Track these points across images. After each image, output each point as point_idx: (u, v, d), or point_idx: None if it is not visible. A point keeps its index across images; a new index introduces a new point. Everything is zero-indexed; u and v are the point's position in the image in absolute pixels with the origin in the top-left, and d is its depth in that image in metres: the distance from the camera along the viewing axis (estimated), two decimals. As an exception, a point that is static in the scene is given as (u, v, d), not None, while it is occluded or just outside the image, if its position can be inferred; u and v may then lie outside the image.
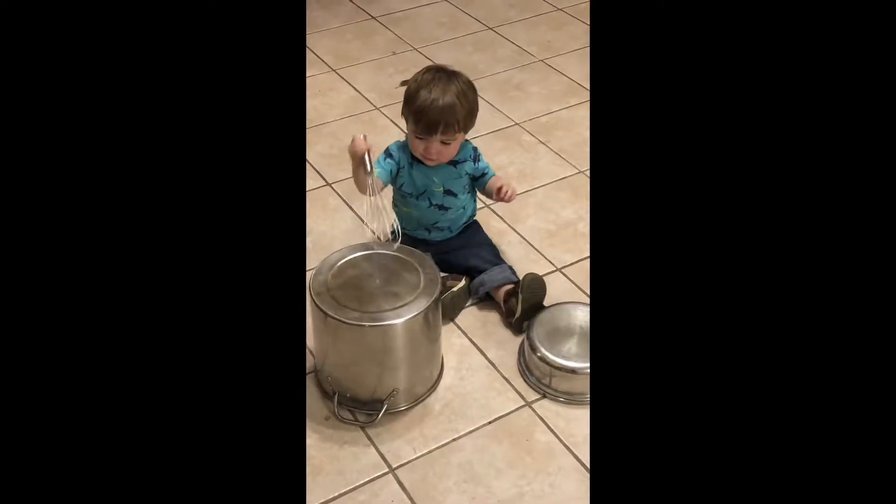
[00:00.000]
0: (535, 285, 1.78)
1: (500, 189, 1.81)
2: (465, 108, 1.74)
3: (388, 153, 1.83)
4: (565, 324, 1.73)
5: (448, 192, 1.85)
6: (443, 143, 1.76)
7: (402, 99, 2.70)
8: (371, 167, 1.66)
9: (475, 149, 1.88)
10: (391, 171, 1.82)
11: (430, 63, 2.79)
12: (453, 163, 1.83)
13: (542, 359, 1.66)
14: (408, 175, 1.83)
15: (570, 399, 1.66)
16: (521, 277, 1.81)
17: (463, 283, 1.84)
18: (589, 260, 2.01)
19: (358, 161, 1.69)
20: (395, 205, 1.91)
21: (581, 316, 1.74)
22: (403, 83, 2.77)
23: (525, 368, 1.72)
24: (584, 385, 1.65)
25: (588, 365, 1.64)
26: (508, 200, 1.83)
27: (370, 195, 1.66)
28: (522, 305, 1.76)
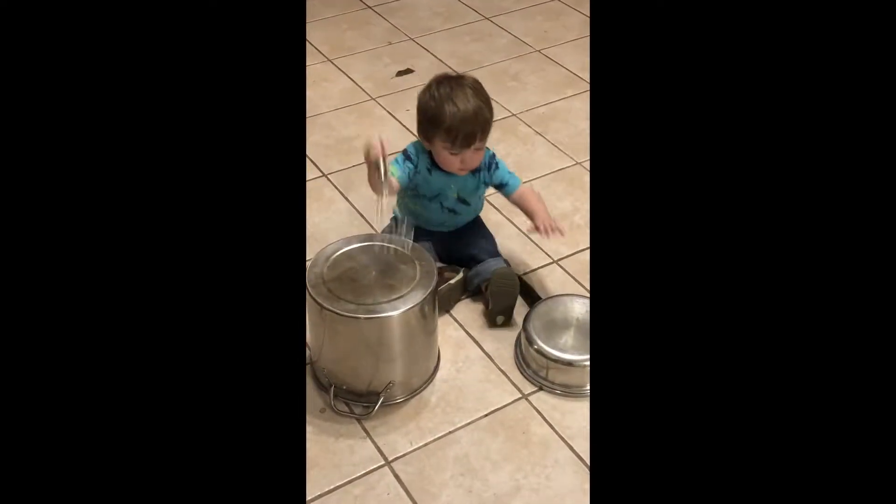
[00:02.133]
0: (503, 281, 1.76)
1: (535, 226, 1.79)
2: (489, 108, 1.73)
3: (406, 155, 1.79)
4: (562, 316, 1.74)
5: (461, 200, 1.84)
6: (476, 149, 1.74)
7: (397, 89, 2.68)
8: (385, 173, 1.61)
9: (493, 155, 1.84)
10: (409, 174, 1.78)
11: (426, 53, 2.78)
12: (472, 171, 1.80)
13: (539, 351, 1.66)
14: (425, 178, 1.80)
15: (566, 391, 1.66)
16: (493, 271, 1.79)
17: (460, 275, 1.83)
18: (585, 252, 2.00)
19: (372, 166, 1.64)
20: (401, 199, 1.88)
21: (578, 308, 1.75)
22: (400, 73, 2.76)
23: (522, 361, 1.72)
24: (580, 377, 1.65)
25: (584, 357, 1.64)
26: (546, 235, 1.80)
27: (381, 197, 1.64)
28: (492, 298, 1.76)
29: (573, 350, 1.66)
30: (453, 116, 1.68)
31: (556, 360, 1.65)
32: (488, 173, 1.83)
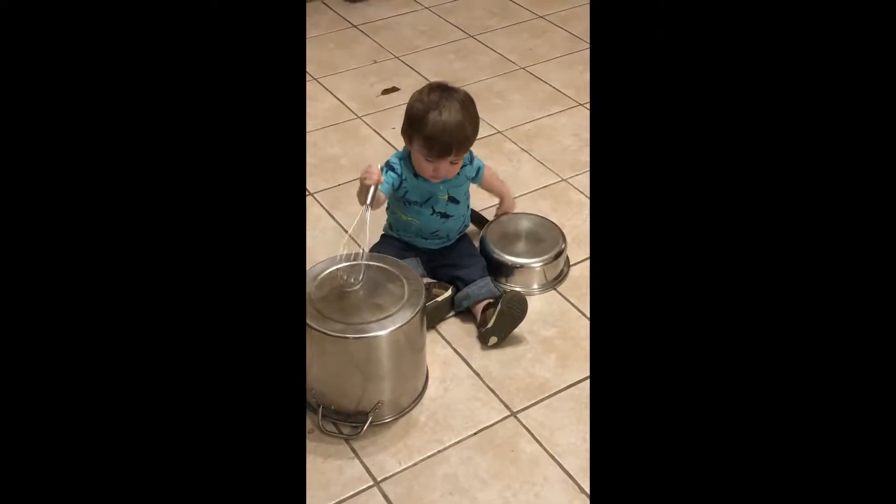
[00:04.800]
0: (516, 302, 1.77)
1: (504, 209, 2.06)
2: (472, 126, 1.76)
3: (389, 166, 1.82)
4: (513, 230, 2.02)
5: (452, 200, 1.87)
6: (451, 162, 1.77)
7: (383, 108, 2.69)
8: (371, 200, 1.69)
9: (470, 150, 1.90)
10: (393, 184, 1.81)
11: (411, 71, 2.79)
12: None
13: (500, 260, 1.95)
14: (413, 184, 1.83)
15: (526, 292, 1.91)
16: (503, 292, 1.81)
17: (448, 293, 1.83)
18: (573, 268, 2.01)
19: (363, 189, 1.72)
20: (393, 212, 1.90)
21: (524, 223, 2.04)
22: (385, 91, 2.76)
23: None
24: (532, 278, 1.96)
25: (533, 260, 1.94)
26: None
27: (360, 219, 1.67)
28: (497, 318, 1.76)
29: (526, 255, 1.96)
30: (435, 125, 1.71)
31: (513, 266, 1.94)
32: (471, 167, 1.92)
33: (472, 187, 1.98)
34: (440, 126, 1.71)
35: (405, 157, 1.83)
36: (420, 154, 1.77)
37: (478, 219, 2.07)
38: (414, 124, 1.75)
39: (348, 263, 1.64)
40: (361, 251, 1.66)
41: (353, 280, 1.61)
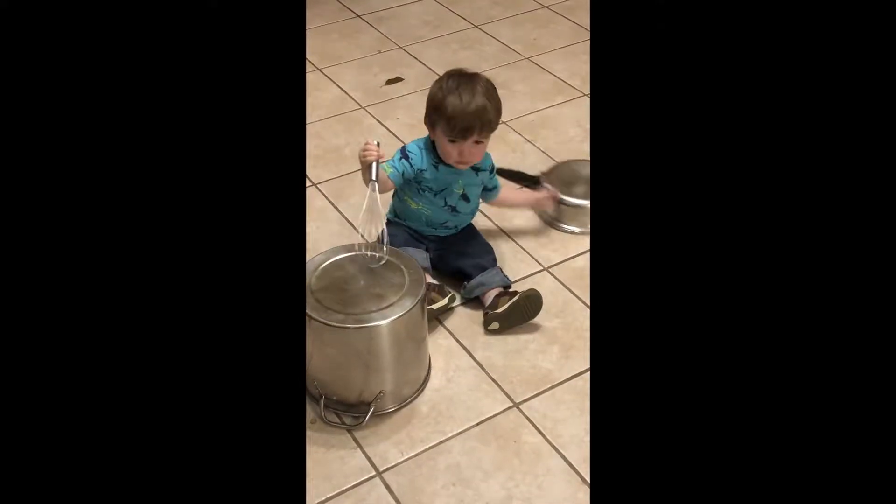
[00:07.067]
0: (533, 301, 1.77)
1: (541, 199, 2.07)
2: (494, 107, 1.77)
3: (404, 153, 1.81)
4: (570, 176, 2.19)
5: (464, 197, 1.87)
6: (476, 142, 1.78)
7: (387, 98, 2.69)
8: (375, 177, 1.66)
9: (492, 162, 1.93)
10: (403, 173, 1.80)
11: (415, 61, 2.78)
12: (476, 169, 1.86)
13: (561, 201, 2.10)
14: (432, 174, 1.83)
15: (582, 232, 2.09)
16: (519, 290, 1.79)
17: (445, 301, 1.80)
18: (575, 259, 2.01)
19: (365, 167, 1.70)
20: (401, 199, 1.89)
21: (581, 170, 2.21)
22: (389, 81, 2.75)
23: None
24: (585, 218, 2.10)
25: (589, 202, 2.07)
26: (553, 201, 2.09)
27: (367, 201, 1.65)
28: (511, 307, 1.76)
29: (583, 197, 2.11)
30: (455, 107, 1.73)
31: (572, 206, 2.10)
32: (488, 175, 1.92)
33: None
34: (460, 107, 1.73)
35: (426, 147, 1.82)
36: (444, 137, 1.77)
37: (523, 177, 2.14)
38: (436, 110, 1.77)
39: (371, 243, 1.65)
40: (382, 228, 1.66)
41: (377, 256, 1.63)
